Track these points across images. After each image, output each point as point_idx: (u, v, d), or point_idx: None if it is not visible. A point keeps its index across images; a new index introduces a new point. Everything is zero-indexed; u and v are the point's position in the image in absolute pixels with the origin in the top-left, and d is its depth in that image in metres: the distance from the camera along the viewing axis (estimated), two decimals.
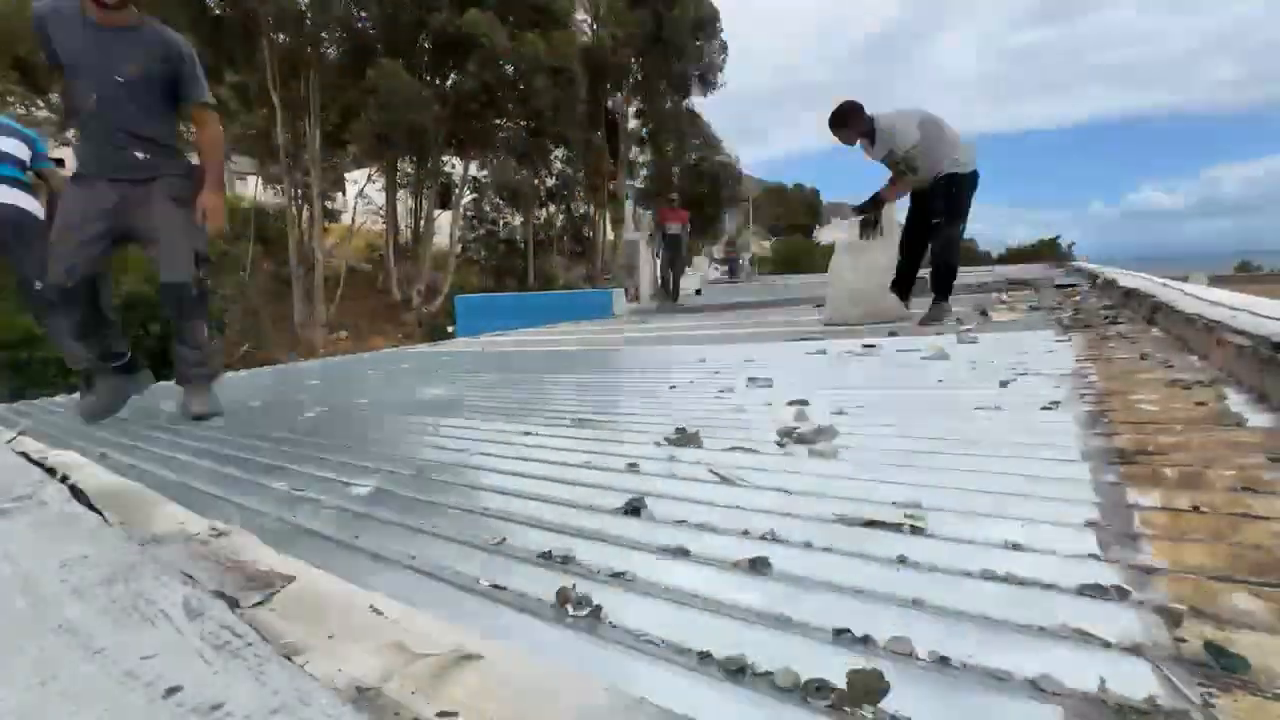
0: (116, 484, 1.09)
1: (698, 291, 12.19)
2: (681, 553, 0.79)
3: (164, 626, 0.53)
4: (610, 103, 21.04)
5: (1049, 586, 0.65)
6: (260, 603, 0.67)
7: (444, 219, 20.97)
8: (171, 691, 0.44)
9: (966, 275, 10.30)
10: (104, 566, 0.64)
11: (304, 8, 15.01)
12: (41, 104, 17.04)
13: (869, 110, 3.62)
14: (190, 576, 0.65)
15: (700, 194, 21.71)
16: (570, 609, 0.67)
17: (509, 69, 15.92)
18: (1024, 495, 0.89)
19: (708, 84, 21.87)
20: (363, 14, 16.26)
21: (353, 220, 19.94)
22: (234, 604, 0.67)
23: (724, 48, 21.67)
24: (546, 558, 0.81)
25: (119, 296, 10.47)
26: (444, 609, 0.68)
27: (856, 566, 0.72)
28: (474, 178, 20.59)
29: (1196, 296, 2.23)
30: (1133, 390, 1.44)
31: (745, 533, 0.84)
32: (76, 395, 3.00)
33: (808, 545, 0.79)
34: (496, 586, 0.74)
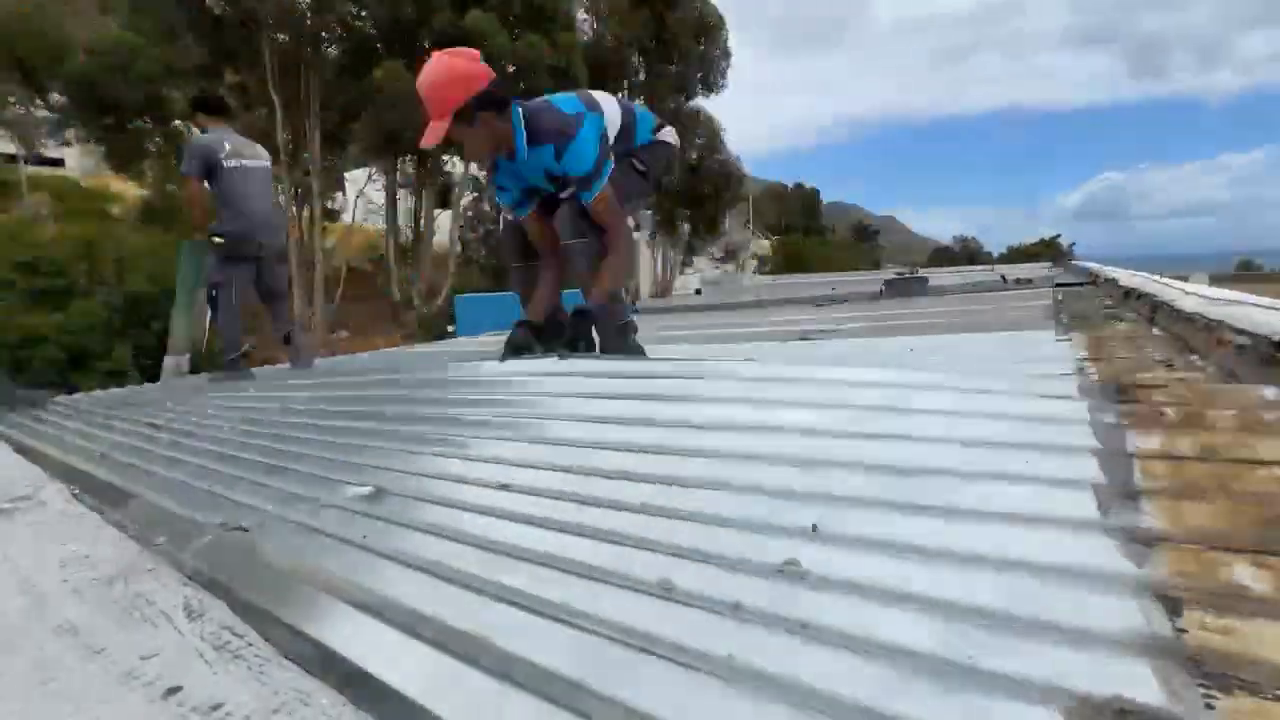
0: (120, 485, 1.09)
1: (697, 291, 12.19)
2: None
3: (164, 627, 0.53)
4: None
5: (1044, 570, 0.63)
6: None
7: (444, 219, 20.96)
8: (172, 692, 0.44)
9: (970, 275, 10.29)
10: (104, 566, 0.64)
11: (304, 7, 15.01)
12: (41, 104, 17.06)
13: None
14: (190, 577, 0.65)
15: (701, 194, 21.68)
16: None
17: (510, 69, 15.92)
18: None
19: (710, 86, 21.88)
20: (363, 13, 16.26)
21: (352, 220, 19.96)
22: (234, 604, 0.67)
23: (727, 53, 21.68)
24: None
25: (119, 295, 10.51)
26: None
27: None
28: (474, 178, 20.58)
29: (1197, 295, 2.23)
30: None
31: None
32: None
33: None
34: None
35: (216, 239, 3.45)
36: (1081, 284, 5.28)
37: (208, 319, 3.80)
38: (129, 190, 18.92)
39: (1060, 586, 0.63)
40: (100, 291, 10.46)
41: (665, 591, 0.65)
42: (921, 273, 8.91)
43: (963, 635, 0.56)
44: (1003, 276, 7.78)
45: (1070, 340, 2.36)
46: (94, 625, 0.54)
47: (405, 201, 20.58)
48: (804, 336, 3.39)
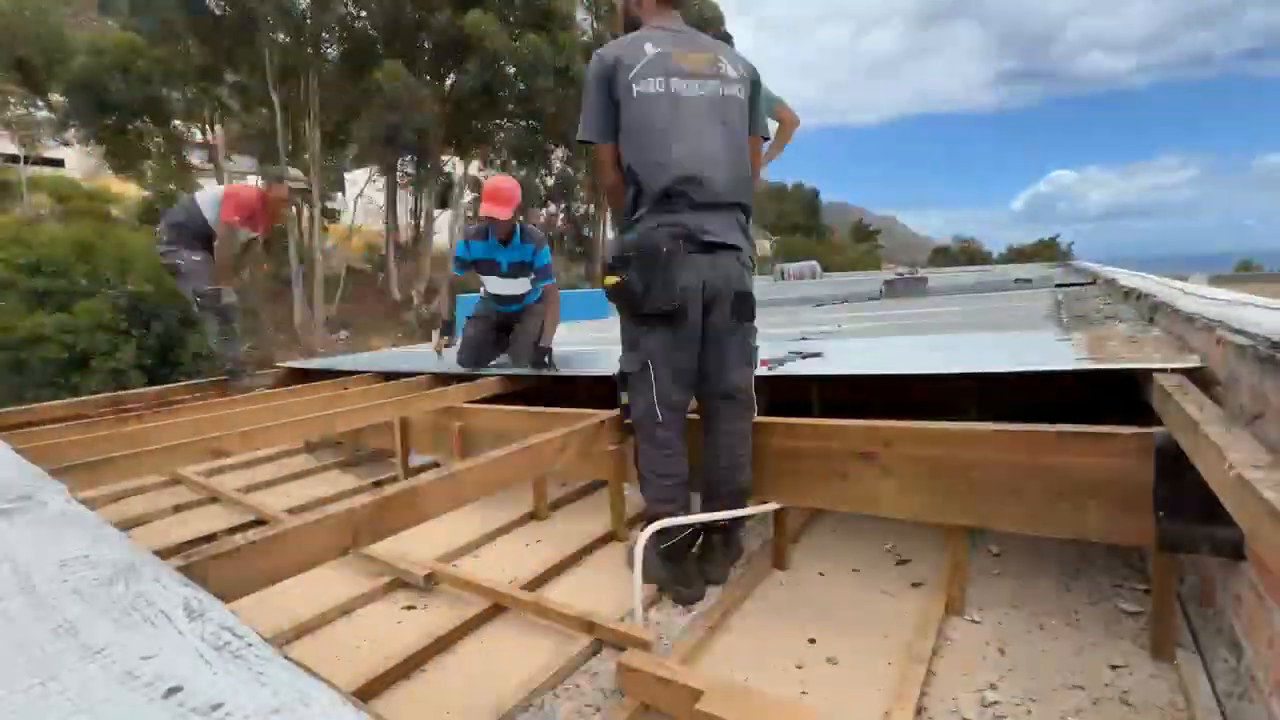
0: None
1: None
2: None
3: (164, 626, 0.53)
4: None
5: None
6: None
7: (444, 218, 20.97)
8: (172, 692, 0.44)
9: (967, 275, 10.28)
10: (104, 566, 0.64)
11: (304, 7, 15.01)
12: (41, 103, 17.08)
13: None
14: (190, 578, 0.65)
15: None
16: None
17: (510, 69, 15.92)
18: None
19: None
20: (362, 13, 16.26)
21: (352, 220, 19.97)
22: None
23: None
24: None
25: (121, 296, 10.51)
26: None
27: None
28: (474, 177, 20.60)
29: (1196, 295, 2.23)
30: None
31: None
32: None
33: None
34: None
35: None
36: (1081, 284, 5.28)
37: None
38: (129, 190, 18.92)
39: None
40: (106, 293, 10.47)
41: None
42: (921, 273, 8.92)
43: None
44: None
45: (1070, 340, 2.36)
46: (94, 625, 0.54)
47: (405, 202, 20.58)
48: (803, 337, 3.39)
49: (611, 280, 1.70)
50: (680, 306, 1.67)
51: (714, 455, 1.83)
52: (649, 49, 1.71)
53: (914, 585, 1.80)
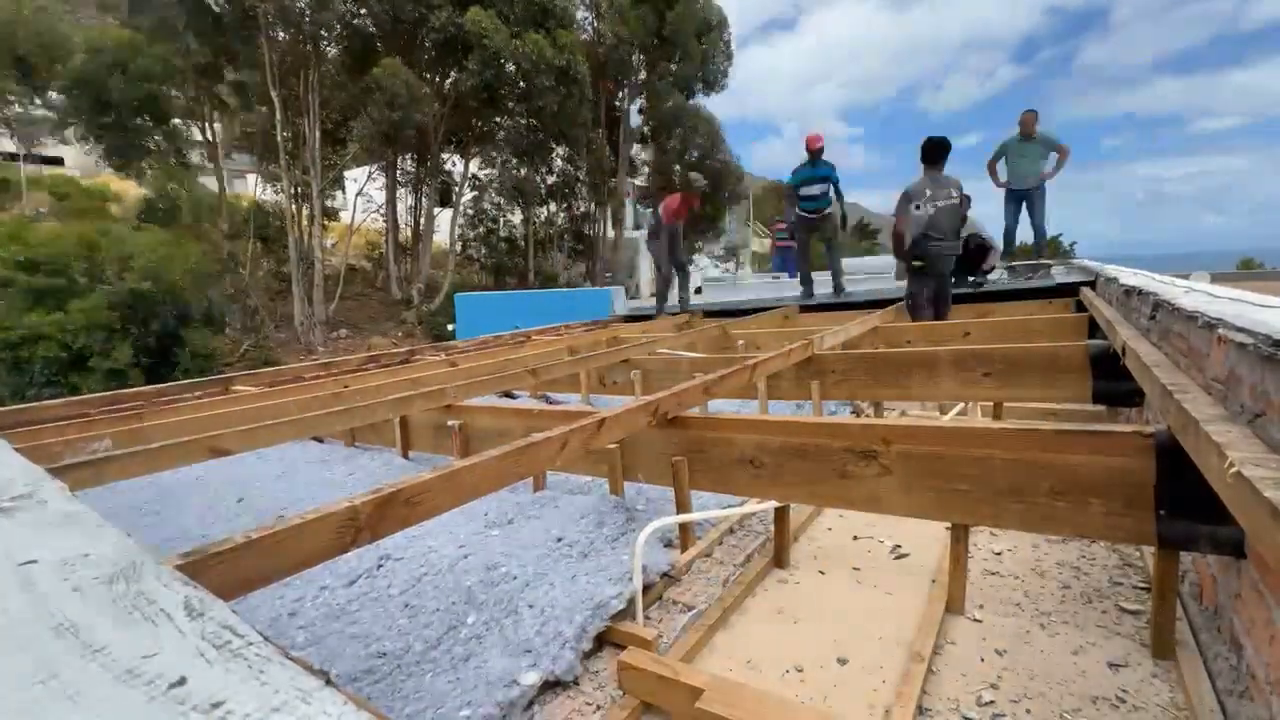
0: None
1: (698, 290, 12.18)
2: None
3: (165, 625, 0.53)
4: (613, 100, 21.01)
5: None
6: None
7: (444, 217, 20.93)
8: (172, 690, 0.44)
9: None
10: (105, 565, 0.64)
11: (304, 5, 14.97)
12: (39, 102, 17.05)
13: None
14: (191, 576, 0.65)
15: (702, 191, 21.66)
16: None
17: (510, 67, 15.89)
18: None
19: (711, 85, 21.88)
20: (362, 10, 16.21)
21: (352, 219, 19.93)
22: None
23: (729, 54, 21.68)
24: None
25: (120, 294, 10.50)
26: None
27: None
28: (474, 176, 20.56)
29: (1203, 292, 2.23)
30: None
31: None
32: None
33: None
34: None
35: None
36: (1081, 283, 5.27)
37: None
38: (129, 189, 18.90)
39: None
40: (105, 290, 10.47)
41: None
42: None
43: None
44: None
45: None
46: (94, 624, 0.54)
47: (405, 200, 20.54)
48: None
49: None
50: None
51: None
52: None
53: (914, 584, 1.80)
